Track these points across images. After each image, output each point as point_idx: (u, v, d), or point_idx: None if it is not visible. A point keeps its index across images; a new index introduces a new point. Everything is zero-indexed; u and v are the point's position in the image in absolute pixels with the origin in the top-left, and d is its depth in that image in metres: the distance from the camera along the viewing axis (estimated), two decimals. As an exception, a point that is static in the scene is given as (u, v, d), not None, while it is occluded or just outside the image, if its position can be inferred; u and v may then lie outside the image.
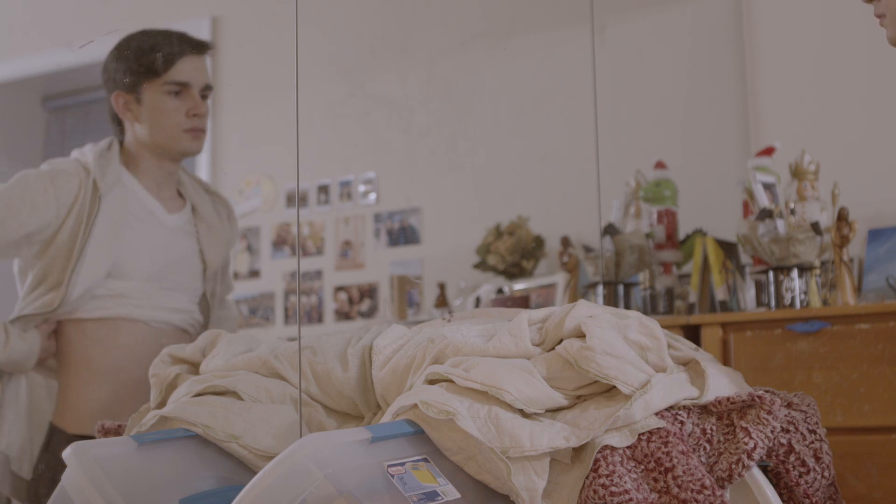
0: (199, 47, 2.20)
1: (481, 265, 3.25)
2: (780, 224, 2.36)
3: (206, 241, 2.26)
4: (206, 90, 2.21)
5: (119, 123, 2.22)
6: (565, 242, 2.83)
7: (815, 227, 2.34)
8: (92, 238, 2.06)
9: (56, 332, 2.11)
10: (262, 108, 3.83)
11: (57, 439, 2.08)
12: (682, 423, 1.25)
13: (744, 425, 1.25)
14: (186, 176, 2.31)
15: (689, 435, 1.26)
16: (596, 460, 1.19)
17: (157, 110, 2.16)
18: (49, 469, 2.06)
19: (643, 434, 1.22)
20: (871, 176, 2.75)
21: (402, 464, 1.11)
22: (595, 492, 1.16)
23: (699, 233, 2.83)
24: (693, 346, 1.43)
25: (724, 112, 3.06)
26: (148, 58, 2.16)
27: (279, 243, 3.83)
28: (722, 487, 1.23)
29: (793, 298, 2.33)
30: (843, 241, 2.32)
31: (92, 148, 2.16)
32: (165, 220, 2.21)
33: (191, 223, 2.26)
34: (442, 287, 3.26)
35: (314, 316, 3.72)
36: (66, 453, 1.23)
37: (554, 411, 1.27)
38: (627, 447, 1.21)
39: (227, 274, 2.40)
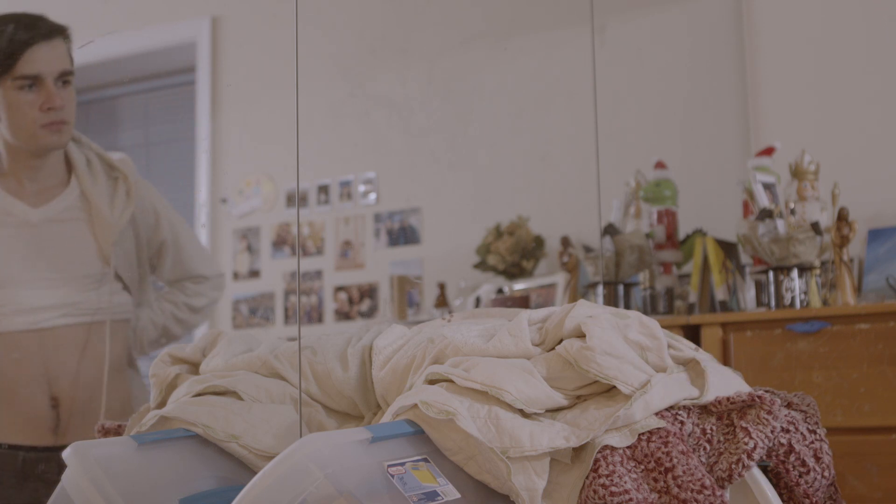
0: (50, 33, 2.06)
1: (481, 265, 3.25)
2: (780, 224, 2.36)
3: (96, 222, 2.11)
4: (65, 76, 2.06)
5: None
6: (565, 242, 2.83)
7: (815, 227, 2.34)
8: None
9: None
10: (263, 108, 3.83)
11: None
12: (682, 423, 1.25)
13: (744, 425, 1.25)
14: (80, 154, 2.16)
15: (689, 435, 1.26)
16: (596, 460, 1.19)
17: (12, 107, 2.02)
18: None
19: (643, 434, 1.22)
20: (871, 176, 2.75)
21: (402, 464, 1.11)
22: (595, 492, 1.16)
23: (699, 233, 2.83)
24: (693, 346, 1.42)
25: (724, 112, 3.06)
26: None
27: (279, 243, 3.83)
28: (722, 487, 1.22)
29: (793, 298, 2.33)
30: (843, 241, 2.32)
31: None
32: (30, 217, 2.08)
33: (75, 207, 2.12)
34: (442, 287, 3.26)
35: (314, 316, 3.72)
36: (67, 453, 1.23)
37: (554, 411, 1.27)
38: (627, 447, 1.21)
39: (163, 257, 2.23)
